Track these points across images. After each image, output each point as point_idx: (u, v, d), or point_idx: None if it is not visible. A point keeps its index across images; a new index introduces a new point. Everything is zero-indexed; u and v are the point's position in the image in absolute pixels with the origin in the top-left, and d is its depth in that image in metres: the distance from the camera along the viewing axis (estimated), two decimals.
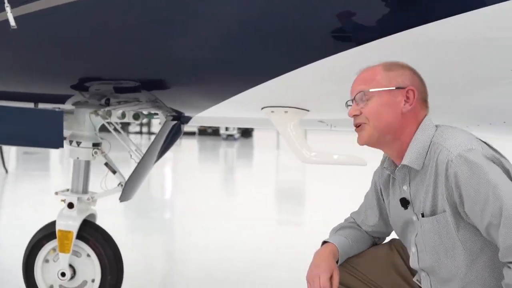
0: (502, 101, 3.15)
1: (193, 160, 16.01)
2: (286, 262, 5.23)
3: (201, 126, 21.44)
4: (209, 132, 21.95)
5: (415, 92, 2.32)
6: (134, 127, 22.52)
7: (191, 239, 6.33)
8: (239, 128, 21.26)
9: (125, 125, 19.72)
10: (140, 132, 22.28)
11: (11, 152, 13.74)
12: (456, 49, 2.79)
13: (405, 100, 2.31)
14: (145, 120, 4.92)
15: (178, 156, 15.40)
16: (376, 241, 2.67)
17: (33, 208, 7.63)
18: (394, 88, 2.32)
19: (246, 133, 21.92)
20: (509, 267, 2.11)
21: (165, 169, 12.62)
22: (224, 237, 6.42)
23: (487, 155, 2.20)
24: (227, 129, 20.82)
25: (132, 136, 21.72)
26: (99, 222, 3.87)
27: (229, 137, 20.96)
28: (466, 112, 3.34)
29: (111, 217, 5.41)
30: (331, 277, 2.43)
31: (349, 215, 2.74)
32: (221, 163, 15.97)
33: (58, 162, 14.04)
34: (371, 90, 2.32)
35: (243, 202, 9.17)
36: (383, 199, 2.57)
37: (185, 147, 17.91)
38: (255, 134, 22.46)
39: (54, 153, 14.38)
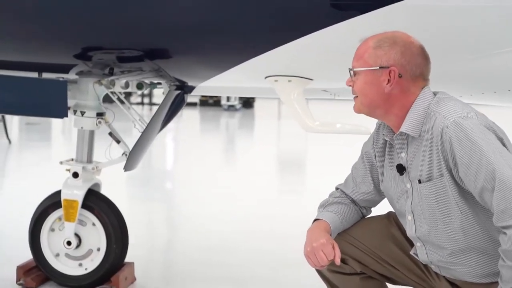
0: (507, 69, 3.16)
1: (194, 130, 16.01)
2: (287, 231, 5.27)
3: (202, 97, 21.37)
4: (211, 103, 21.87)
5: (396, 73, 2.34)
6: (135, 98, 22.48)
7: (193, 209, 6.36)
8: (240, 99, 21.20)
9: (126, 96, 19.66)
10: (142, 103, 22.23)
11: (13, 122, 13.76)
12: (456, 16, 2.79)
13: (388, 80, 2.35)
14: (146, 91, 4.92)
15: (180, 126, 15.40)
16: (363, 212, 2.67)
17: (36, 177, 7.66)
18: (378, 67, 2.35)
19: (248, 103, 21.86)
20: (504, 233, 2.16)
21: (167, 139, 12.63)
22: (225, 206, 6.44)
23: (481, 123, 2.26)
24: (228, 99, 20.74)
25: (133, 107, 21.63)
26: (103, 192, 3.90)
27: (231, 107, 20.90)
28: (470, 80, 3.34)
29: (113, 188, 5.45)
30: (332, 248, 2.44)
31: (334, 189, 2.73)
32: (222, 133, 15.97)
33: (60, 132, 14.06)
34: (355, 69, 2.41)
35: (245, 171, 9.19)
36: (377, 166, 2.59)
37: (187, 117, 17.90)
38: (256, 104, 22.41)
39: (55, 123, 14.38)
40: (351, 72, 2.43)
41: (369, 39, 2.41)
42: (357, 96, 2.42)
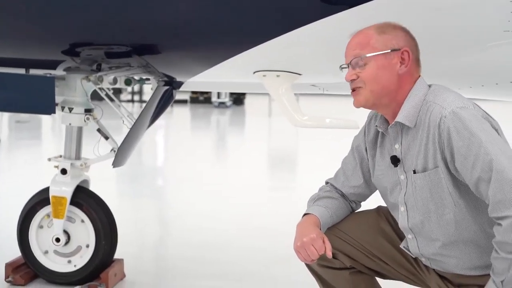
0: (495, 63, 3.16)
1: (185, 127, 16.01)
2: (278, 228, 5.27)
3: (192, 94, 21.38)
4: (201, 100, 21.88)
5: (409, 53, 2.35)
6: (125, 95, 22.46)
7: (184, 206, 6.35)
8: (231, 95, 21.21)
9: (116, 93, 19.62)
10: (132, 101, 22.21)
11: (3, 121, 13.72)
12: (447, 9, 2.79)
13: (400, 62, 2.34)
14: (136, 88, 4.90)
15: (170, 123, 15.40)
16: (353, 206, 2.66)
17: (26, 175, 7.64)
18: (390, 50, 2.34)
19: (238, 100, 21.88)
20: (499, 224, 2.15)
21: (157, 136, 12.62)
22: (216, 203, 6.44)
23: (478, 113, 2.27)
24: (219, 96, 20.77)
25: (123, 105, 21.61)
26: (91, 189, 3.89)
27: (221, 104, 20.92)
28: (459, 73, 3.34)
29: (102, 184, 5.46)
30: (323, 242, 2.43)
31: (323, 183, 2.72)
32: (213, 130, 15.97)
33: (50, 130, 14.03)
34: (368, 55, 2.34)
35: (236, 168, 9.19)
36: (368, 159, 2.58)
37: (177, 115, 17.91)
38: (246, 101, 22.43)
39: (45, 121, 14.35)
40: (354, 61, 2.35)
41: (366, 29, 2.39)
42: (362, 87, 2.35)
